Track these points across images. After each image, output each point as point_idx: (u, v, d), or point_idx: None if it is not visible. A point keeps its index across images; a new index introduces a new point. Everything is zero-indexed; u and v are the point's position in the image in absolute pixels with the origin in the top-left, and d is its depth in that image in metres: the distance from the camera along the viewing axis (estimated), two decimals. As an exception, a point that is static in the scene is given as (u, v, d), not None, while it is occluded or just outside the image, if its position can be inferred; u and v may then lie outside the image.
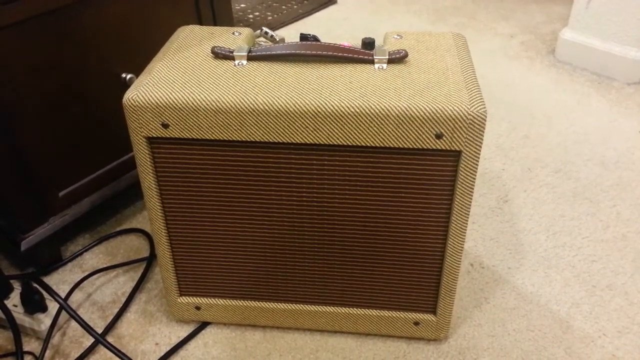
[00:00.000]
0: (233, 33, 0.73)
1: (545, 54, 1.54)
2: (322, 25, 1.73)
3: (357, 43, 0.70)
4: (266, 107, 0.61)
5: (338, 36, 1.66)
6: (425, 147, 0.62)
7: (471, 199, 0.65)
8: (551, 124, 1.26)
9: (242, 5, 1.88)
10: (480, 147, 0.61)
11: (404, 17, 1.77)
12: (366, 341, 0.80)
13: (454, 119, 0.59)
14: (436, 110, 0.59)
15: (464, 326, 0.82)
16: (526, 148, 1.19)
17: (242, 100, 0.61)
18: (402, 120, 0.60)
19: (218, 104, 0.61)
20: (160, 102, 0.62)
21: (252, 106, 0.61)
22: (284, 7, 1.85)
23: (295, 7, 1.84)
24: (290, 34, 1.69)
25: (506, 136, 1.22)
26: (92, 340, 0.81)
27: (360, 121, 0.61)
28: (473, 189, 0.64)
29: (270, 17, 1.78)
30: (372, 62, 0.67)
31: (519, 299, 0.86)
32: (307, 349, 0.79)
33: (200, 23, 1.00)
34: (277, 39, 0.75)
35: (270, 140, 0.63)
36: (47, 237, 0.87)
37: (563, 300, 0.86)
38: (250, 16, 1.79)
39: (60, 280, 0.90)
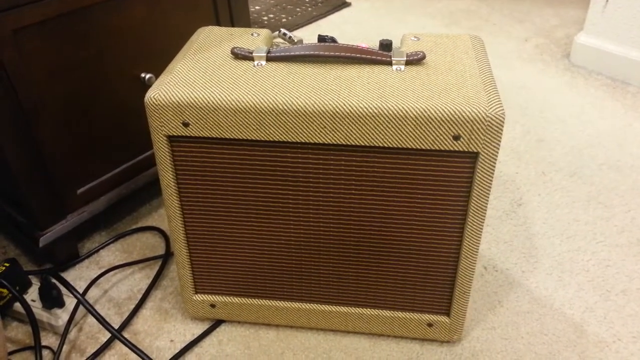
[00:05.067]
0: (252, 34, 0.74)
1: (559, 57, 1.54)
2: (336, 28, 1.73)
3: (372, 45, 0.70)
4: (285, 107, 0.61)
5: (352, 38, 1.66)
6: (442, 149, 0.62)
7: (487, 201, 0.65)
8: (565, 128, 1.25)
9: (257, 8, 1.89)
10: (498, 148, 0.61)
11: (418, 19, 1.78)
12: (379, 342, 0.80)
13: (472, 121, 0.59)
14: (454, 111, 0.60)
15: (478, 329, 0.82)
16: (540, 151, 1.18)
17: (261, 100, 0.62)
18: (420, 122, 0.60)
19: (238, 103, 0.62)
20: (181, 101, 0.62)
21: (271, 106, 0.62)
22: (298, 9, 1.86)
23: (309, 9, 1.85)
24: (304, 36, 1.70)
25: (520, 139, 1.22)
26: (108, 336, 0.82)
27: (378, 122, 0.61)
28: (490, 191, 0.64)
29: (284, 19, 1.79)
30: (390, 63, 0.67)
31: (532, 303, 0.86)
32: (320, 349, 0.80)
33: (218, 24, 1.01)
34: (295, 40, 0.75)
35: (289, 140, 0.64)
36: (64, 234, 0.89)
37: (577, 305, 0.85)
38: (265, 18, 1.80)
39: (77, 277, 0.91)
